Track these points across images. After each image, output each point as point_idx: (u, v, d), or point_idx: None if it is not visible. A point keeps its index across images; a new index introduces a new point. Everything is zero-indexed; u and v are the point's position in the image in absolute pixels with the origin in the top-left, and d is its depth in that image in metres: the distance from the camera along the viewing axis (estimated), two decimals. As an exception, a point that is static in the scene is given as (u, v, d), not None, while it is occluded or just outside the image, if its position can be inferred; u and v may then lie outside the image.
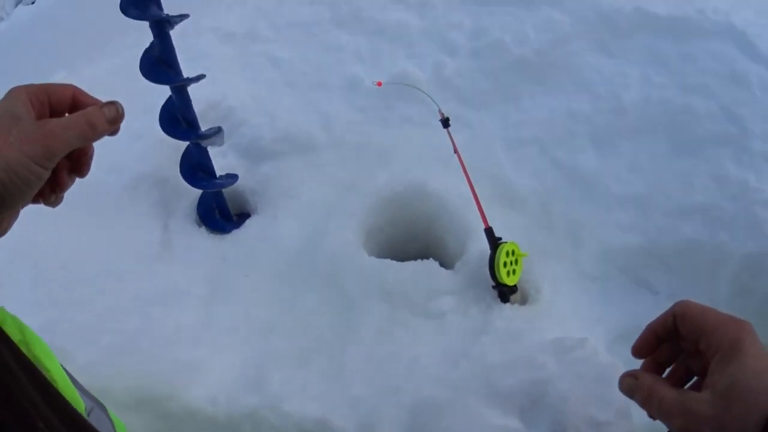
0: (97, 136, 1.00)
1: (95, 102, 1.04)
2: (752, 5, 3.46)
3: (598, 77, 3.29)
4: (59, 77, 3.62)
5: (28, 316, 0.96)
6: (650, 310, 2.54)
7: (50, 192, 1.04)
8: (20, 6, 8.23)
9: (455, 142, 2.70)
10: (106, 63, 3.80)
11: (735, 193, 2.72)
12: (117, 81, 3.42)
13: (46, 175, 0.93)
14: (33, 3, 8.01)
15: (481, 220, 2.54)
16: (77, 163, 1.07)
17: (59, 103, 1.02)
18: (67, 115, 1.01)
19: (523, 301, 2.60)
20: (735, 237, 2.63)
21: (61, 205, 1.09)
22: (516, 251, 2.49)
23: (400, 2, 3.78)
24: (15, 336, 0.89)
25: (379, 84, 2.98)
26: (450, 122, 2.76)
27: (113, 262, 2.78)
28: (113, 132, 1.03)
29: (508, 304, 2.49)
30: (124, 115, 1.03)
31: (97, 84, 3.36)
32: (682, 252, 2.73)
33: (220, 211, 3.11)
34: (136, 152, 3.18)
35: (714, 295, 2.63)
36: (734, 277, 2.61)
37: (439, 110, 2.76)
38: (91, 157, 1.08)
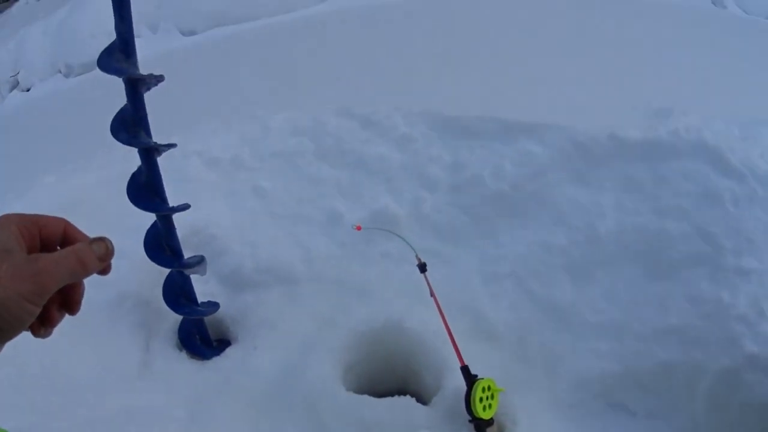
0: (88, 274, 1.01)
1: (85, 238, 1.05)
2: (725, 113, 3.60)
3: (573, 208, 3.38)
4: (47, 182, 3.75)
5: (6, 419, 0.99)
6: (628, 431, 2.67)
7: (39, 326, 1.03)
8: (15, 91, 8.31)
9: (432, 279, 2.87)
10: (95, 174, 3.87)
11: (709, 311, 2.85)
12: (104, 196, 3.49)
13: (38, 311, 0.94)
14: (28, 90, 8.11)
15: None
16: (68, 299, 1.07)
17: (50, 237, 1.03)
18: (58, 248, 1.03)
19: (500, 433, 2.71)
20: (710, 354, 2.77)
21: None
22: (492, 386, 2.63)
23: (381, 136, 3.91)
24: None
25: (359, 228, 3.08)
26: (426, 267, 2.93)
27: (94, 376, 2.87)
28: (104, 270, 1.06)
29: (484, 437, 2.61)
30: (113, 252, 1.05)
31: (84, 196, 3.54)
32: (658, 373, 2.86)
33: (200, 337, 3.22)
34: (120, 270, 3.13)
35: (691, 412, 2.79)
36: (710, 393, 2.76)
37: (416, 255, 2.95)
38: (81, 294, 1.09)
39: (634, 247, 3.17)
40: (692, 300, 2.92)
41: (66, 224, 1.06)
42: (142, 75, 2.44)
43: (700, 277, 2.95)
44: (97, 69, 2.38)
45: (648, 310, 2.99)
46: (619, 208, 3.30)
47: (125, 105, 2.55)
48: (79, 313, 2.74)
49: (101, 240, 1.04)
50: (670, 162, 3.33)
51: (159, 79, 2.49)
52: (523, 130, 3.73)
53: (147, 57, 2.46)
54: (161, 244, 2.94)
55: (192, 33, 7.92)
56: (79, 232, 1.07)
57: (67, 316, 1.10)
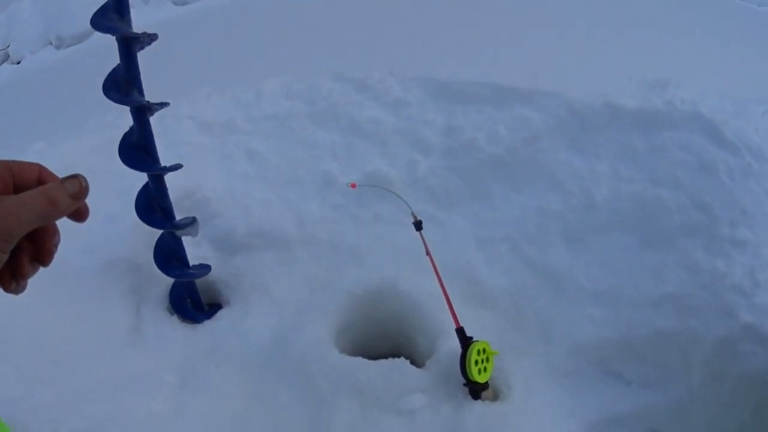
0: (59, 214, 0.94)
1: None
2: (718, 91, 3.60)
3: (568, 174, 3.38)
4: (37, 148, 3.73)
5: None
6: (623, 400, 2.72)
7: (10, 278, 0.97)
8: (5, 64, 8.27)
9: (427, 243, 2.85)
10: (86, 140, 3.85)
11: (705, 280, 2.85)
12: (95, 160, 3.49)
13: (4, 258, 0.88)
14: (19, 63, 8.06)
15: (452, 319, 2.67)
16: (40, 248, 1.00)
17: (24, 183, 0.97)
18: None
19: (495, 398, 2.73)
20: (706, 323, 2.78)
21: (32, 279, 1.01)
22: (487, 349, 2.62)
23: (375, 100, 3.89)
24: None
25: (353, 186, 3.10)
26: (422, 225, 2.92)
27: (83, 343, 2.84)
28: (80, 215, 0.99)
29: (479, 401, 2.61)
30: (89, 189, 0.98)
31: (75, 161, 3.53)
32: (654, 342, 2.86)
33: (192, 301, 3.21)
34: (111, 235, 3.24)
35: (687, 382, 2.79)
36: (706, 363, 2.76)
37: (412, 213, 2.94)
38: (55, 245, 1.02)
39: (629, 214, 3.17)
40: (688, 269, 2.92)
41: (41, 168, 1.00)
42: (136, 33, 2.43)
43: (696, 247, 2.96)
44: (89, 40, 2.38)
45: (643, 278, 2.99)
46: (615, 175, 3.30)
47: (118, 65, 2.54)
48: (70, 279, 2.70)
49: (74, 177, 0.97)
50: (665, 132, 3.33)
51: (153, 37, 2.48)
52: (518, 96, 3.72)
53: (139, 27, 2.44)
54: (153, 205, 2.93)
55: (184, 3, 7.87)
56: (55, 176, 1.01)
57: (54, 280, 1.04)
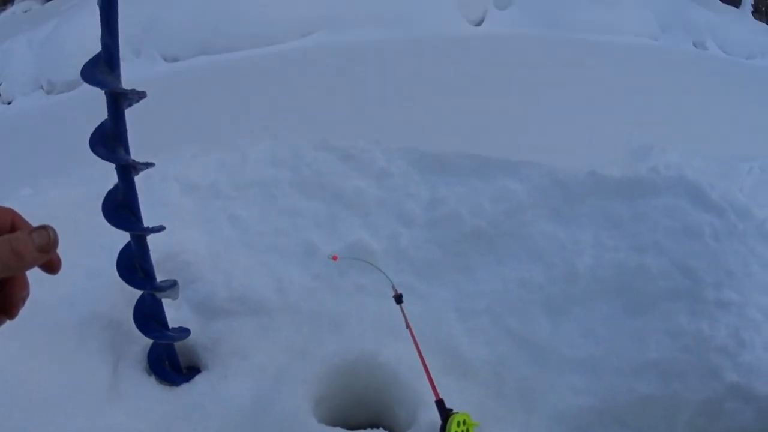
0: (25, 266, 0.89)
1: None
2: (704, 152, 3.64)
3: (551, 245, 3.41)
4: (23, 194, 3.75)
5: None
6: None
7: None
8: None
9: (408, 315, 2.87)
10: (72, 191, 3.83)
11: (688, 344, 2.88)
12: (80, 213, 3.47)
13: None
14: (9, 104, 8.06)
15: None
16: (6, 300, 0.94)
17: None
18: None
19: (475, 468, 2.72)
20: (689, 386, 2.80)
21: (13, 324, 0.97)
22: (467, 421, 2.63)
23: (359, 170, 3.92)
24: None
25: (335, 258, 3.11)
26: (403, 298, 2.94)
27: (60, 396, 2.82)
28: (52, 267, 0.96)
29: (459, 473, 2.61)
30: (57, 242, 0.92)
31: (59, 212, 3.50)
32: (636, 407, 2.88)
33: (170, 363, 3.20)
34: (92, 289, 3.22)
35: (671, 442, 2.79)
36: (690, 424, 2.79)
37: (393, 286, 2.96)
38: (23, 298, 0.96)
39: (612, 282, 3.20)
40: (671, 334, 2.95)
41: (14, 215, 0.94)
42: (125, 89, 2.45)
43: (679, 311, 2.99)
44: (80, 88, 2.39)
45: (626, 345, 3.01)
46: (597, 244, 3.33)
47: (105, 120, 2.55)
48: (49, 330, 2.68)
49: (43, 228, 0.90)
50: (650, 199, 3.38)
51: (141, 95, 2.51)
52: (501, 167, 3.76)
53: (129, 80, 2.46)
54: (134, 265, 2.92)
55: (175, 60, 7.95)
56: (29, 226, 0.94)
57: (34, 330, 1.01)
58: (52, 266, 0.96)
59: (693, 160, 3.52)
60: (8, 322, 0.97)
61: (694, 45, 9.19)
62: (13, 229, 0.92)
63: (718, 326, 2.87)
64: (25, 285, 0.96)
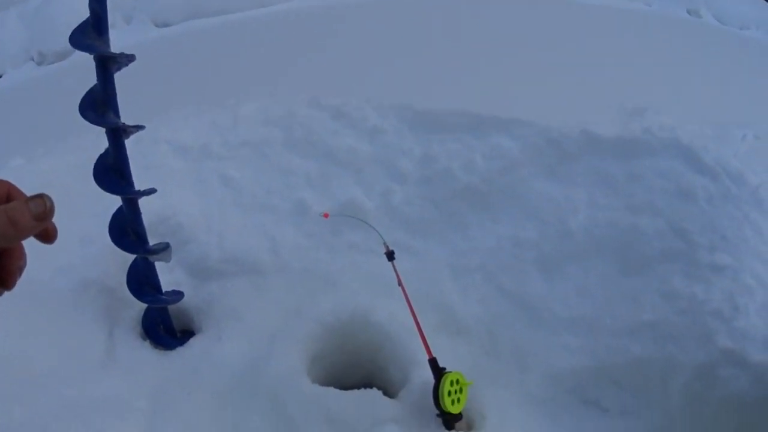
0: (21, 235, 0.90)
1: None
2: (698, 117, 3.62)
3: (545, 203, 3.39)
4: (15, 164, 3.72)
5: None
6: (600, 428, 2.72)
7: None
8: None
9: (400, 272, 2.86)
10: (64, 159, 3.80)
11: (683, 306, 2.87)
12: (73, 180, 3.46)
13: None
14: (0, 77, 7.97)
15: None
16: (2, 270, 0.95)
17: None
18: None
19: (469, 428, 2.75)
20: (684, 349, 2.79)
21: (6, 297, 0.98)
22: (461, 380, 2.62)
23: (351, 127, 3.89)
24: None
25: (326, 216, 3.11)
26: (395, 255, 2.93)
27: (56, 364, 2.81)
28: (48, 236, 0.96)
29: None
30: (54, 210, 0.93)
31: (52, 180, 3.50)
32: (632, 369, 2.88)
33: (164, 327, 3.19)
34: (85, 256, 3.21)
35: (666, 408, 2.80)
36: (686, 388, 2.77)
37: (384, 243, 2.94)
38: (20, 268, 0.97)
39: (606, 242, 3.19)
40: (666, 296, 2.94)
41: (10, 186, 0.96)
42: (114, 53, 2.41)
43: (674, 273, 2.98)
44: (70, 58, 2.36)
45: (621, 306, 3.00)
46: (591, 203, 3.31)
47: (95, 85, 2.52)
48: (43, 299, 2.69)
49: (39, 197, 0.92)
50: (644, 159, 3.35)
51: (130, 58, 2.47)
52: (494, 125, 3.71)
53: (120, 47, 2.43)
54: (126, 229, 2.89)
55: (166, 25, 7.88)
56: (25, 196, 0.96)
57: (28, 299, 0.99)
58: (48, 235, 0.96)
59: (687, 124, 3.49)
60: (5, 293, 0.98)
61: (688, 12, 9.14)
62: (9, 200, 0.93)
63: (713, 290, 2.86)
64: (21, 255, 0.97)
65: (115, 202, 2.85)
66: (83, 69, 2.50)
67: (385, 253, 2.92)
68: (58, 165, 3.75)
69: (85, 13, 2.34)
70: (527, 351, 3.05)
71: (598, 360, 2.92)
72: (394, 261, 2.90)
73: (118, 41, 2.49)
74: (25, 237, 0.91)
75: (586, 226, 3.24)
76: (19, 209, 0.88)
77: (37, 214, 0.89)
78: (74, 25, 2.35)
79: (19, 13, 8.63)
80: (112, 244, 2.90)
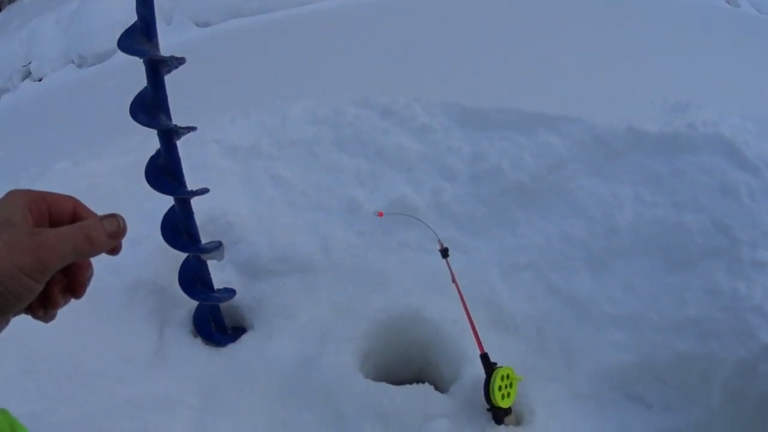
0: (95, 252, 0.93)
1: (95, 217, 0.97)
2: (740, 110, 3.57)
3: (592, 200, 3.36)
4: (60, 168, 3.73)
5: (15, 404, 0.94)
6: (644, 423, 2.71)
7: (39, 306, 0.96)
8: (27, 81, 8.25)
9: (453, 270, 2.82)
10: (109, 161, 3.84)
11: (726, 303, 2.82)
12: (119, 181, 3.51)
13: (38, 288, 0.88)
14: (40, 80, 8.09)
15: (476, 345, 2.67)
16: (73, 281, 1.00)
17: (59, 215, 0.96)
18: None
19: (518, 423, 2.72)
20: (726, 346, 2.75)
21: None
22: (511, 375, 2.61)
23: (400, 126, 3.87)
24: (4, 430, 0.86)
25: (380, 214, 3.10)
26: (449, 252, 2.90)
27: (107, 363, 2.86)
28: (114, 250, 0.98)
29: (502, 426, 2.61)
30: (126, 229, 0.97)
31: (99, 182, 3.54)
32: (675, 365, 2.85)
33: (215, 324, 3.22)
34: (136, 257, 3.24)
35: (707, 404, 2.76)
36: (726, 384, 2.73)
37: (439, 240, 2.91)
38: (89, 278, 1.02)
39: (652, 239, 3.14)
40: (709, 292, 2.88)
41: (75, 202, 0.99)
42: (164, 57, 2.43)
43: (717, 269, 2.93)
44: (110, 59, 2.39)
45: (665, 302, 2.96)
46: (637, 200, 3.27)
47: (145, 88, 2.55)
48: (94, 299, 2.73)
49: (113, 216, 0.96)
50: (687, 155, 3.30)
51: (180, 61, 2.49)
52: (542, 122, 3.67)
53: (162, 48, 2.45)
54: (179, 228, 2.93)
55: (207, 25, 7.92)
56: (90, 211, 0.99)
57: (78, 300, 1.03)
58: (115, 249, 0.99)
59: (729, 119, 3.44)
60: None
61: (727, 2, 8.98)
62: (74, 215, 0.97)
63: (754, 286, 2.80)
64: (89, 266, 1.01)
65: (162, 203, 2.88)
66: (123, 71, 2.54)
67: (440, 250, 2.89)
68: (104, 167, 3.78)
69: (122, 13, 2.38)
70: (575, 348, 3.03)
71: (642, 356, 2.89)
72: (448, 258, 2.89)
73: (160, 42, 2.50)
74: (98, 253, 0.95)
75: (633, 223, 3.20)
76: (94, 227, 0.92)
77: (111, 232, 0.95)
78: (111, 28, 2.39)
79: (56, 18, 8.75)
80: (160, 245, 2.95)
